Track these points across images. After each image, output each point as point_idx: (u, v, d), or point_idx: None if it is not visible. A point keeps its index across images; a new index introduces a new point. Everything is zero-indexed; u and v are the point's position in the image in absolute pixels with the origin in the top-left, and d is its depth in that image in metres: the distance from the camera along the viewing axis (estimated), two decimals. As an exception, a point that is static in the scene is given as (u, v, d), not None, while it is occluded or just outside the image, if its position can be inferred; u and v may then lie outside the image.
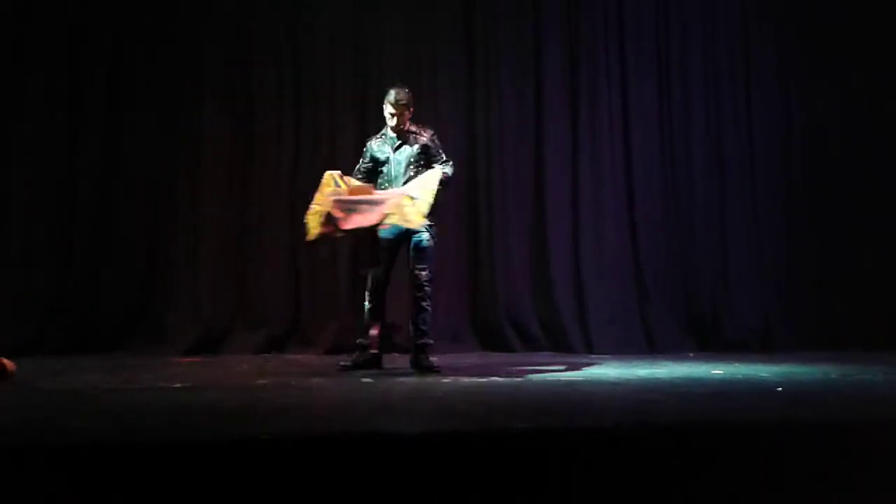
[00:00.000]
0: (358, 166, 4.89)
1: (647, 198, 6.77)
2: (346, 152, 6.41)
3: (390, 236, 4.69)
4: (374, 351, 4.70)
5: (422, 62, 6.58)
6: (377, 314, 4.74)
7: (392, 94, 4.78)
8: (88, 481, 2.16)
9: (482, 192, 6.64)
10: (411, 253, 4.73)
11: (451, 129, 6.21)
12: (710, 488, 2.44)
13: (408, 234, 4.70)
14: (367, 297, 4.72)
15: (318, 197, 4.55)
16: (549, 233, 6.58)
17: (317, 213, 4.49)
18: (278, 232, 6.33)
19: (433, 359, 4.71)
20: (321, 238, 4.57)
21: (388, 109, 4.79)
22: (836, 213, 6.91)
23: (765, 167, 6.96)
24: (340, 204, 4.48)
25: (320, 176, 6.29)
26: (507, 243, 6.61)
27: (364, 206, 4.48)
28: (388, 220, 4.45)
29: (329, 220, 4.47)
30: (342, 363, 4.75)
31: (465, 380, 4.20)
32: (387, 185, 4.75)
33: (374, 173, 4.81)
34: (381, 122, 4.90)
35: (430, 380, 4.24)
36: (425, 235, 4.73)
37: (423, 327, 4.70)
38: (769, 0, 7.14)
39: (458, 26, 6.71)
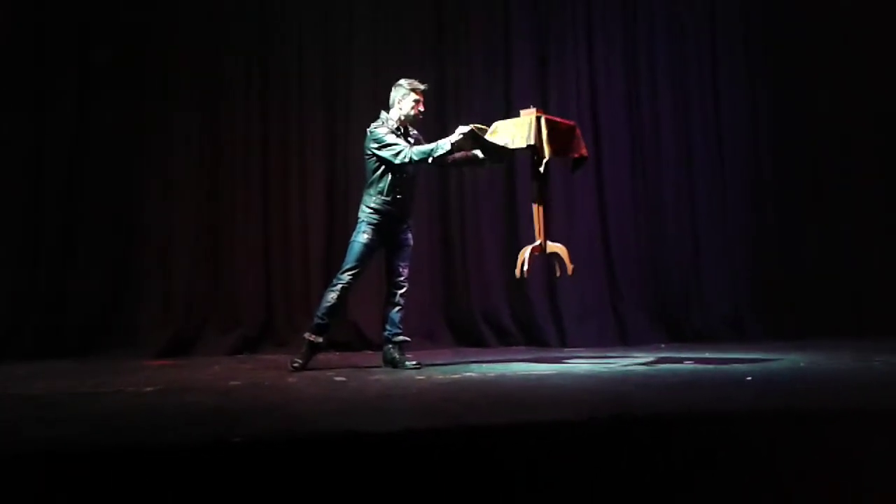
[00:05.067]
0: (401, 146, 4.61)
1: (618, 193, 6.84)
2: (315, 147, 6.42)
3: (377, 237, 4.67)
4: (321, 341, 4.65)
5: (389, 64, 6.55)
6: (338, 313, 4.73)
7: (418, 84, 4.68)
8: (60, 488, 2.13)
9: (454, 188, 6.65)
10: (398, 251, 4.72)
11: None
12: (685, 478, 2.46)
13: (392, 232, 4.69)
14: (336, 293, 4.61)
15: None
16: (521, 228, 6.60)
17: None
18: (251, 231, 6.28)
19: (408, 355, 4.72)
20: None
21: (413, 97, 4.67)
22: (803, 203, 7.04)
23: (733, 160, 7.06)
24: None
25: (289, 174, 6.35)
26: (480, 239, 6.63)
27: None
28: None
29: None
30: (294, 364, 4.60)
31: (440, 376, 4.21)
32: (407, 185, 4.68)
33: (400, 169, 4.63)
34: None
35: (404, 377, 4.24)
36: (410, 234, 4.75)
37: (402, 325, 4.71)
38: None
39: (428, 37, 6.72)
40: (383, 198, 4.65)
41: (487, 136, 4.61)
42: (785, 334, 6.52)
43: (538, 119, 4.52)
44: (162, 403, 3.37)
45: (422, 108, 4.74)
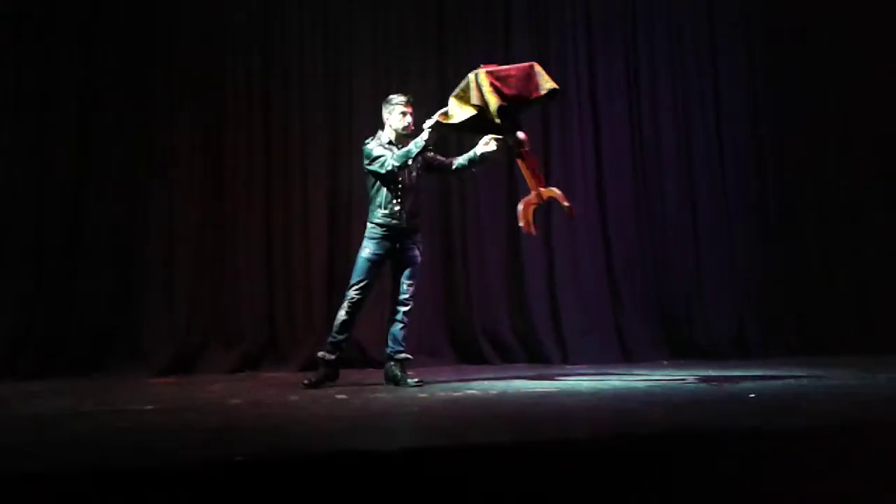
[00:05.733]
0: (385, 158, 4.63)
1: (619, 207, 6.84)
2: (317, 163, 6.42)
3: (380, 251, 4.68)
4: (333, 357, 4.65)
5: (391, 64, 6.58)
6: (349, 328, 4.72)
7: (402, 96, 4.75)
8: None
9: (455, 203, 6.65)
10: (403, 267, 4.72)
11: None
12: (688, 496, 2.45)
13: (398, 248, 4.70)
14: (345, 309, 4.63)
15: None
16: (523, 244, 6.60)
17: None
18: (253, 248, 6.28)
19: (410, 373, 4.71)
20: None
21: (400, 109, 4.72)
22: (808, 215, 7.04)
23: (735, 171, 7.07)
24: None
25: (292, 190, 6.35)
26: (482, 256, 6.63)
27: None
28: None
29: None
30: (305, 381, 4.64)
31: (442, 394, 4.20)
32: (403, 196, 4.68)
33: (392, 180, 4.67)
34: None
35: (405, 395, 4.23)
36: (418, 251, 4.75)
37: (405, 343, 4.70)
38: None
39: (428, 37, 6.74)
40: (383, 211, 4.68)
41: (451, 116, 4.59)
42: (789, 348, 6.50)
43: (476, 76, 4.51)
44: (163, 422, 3.37)
45: (410, 119, 4.77)
